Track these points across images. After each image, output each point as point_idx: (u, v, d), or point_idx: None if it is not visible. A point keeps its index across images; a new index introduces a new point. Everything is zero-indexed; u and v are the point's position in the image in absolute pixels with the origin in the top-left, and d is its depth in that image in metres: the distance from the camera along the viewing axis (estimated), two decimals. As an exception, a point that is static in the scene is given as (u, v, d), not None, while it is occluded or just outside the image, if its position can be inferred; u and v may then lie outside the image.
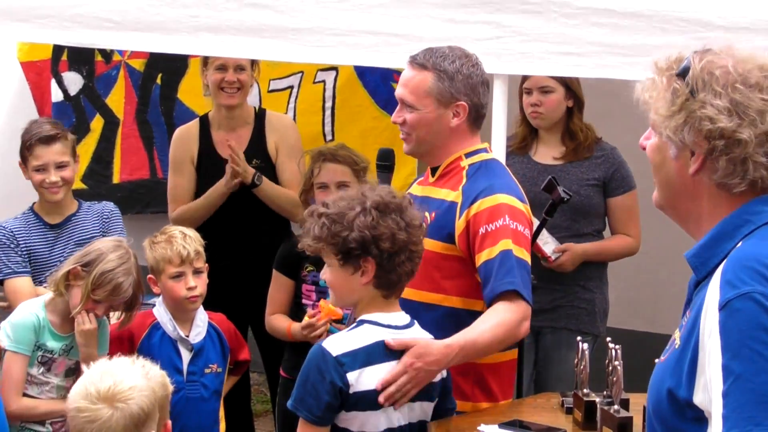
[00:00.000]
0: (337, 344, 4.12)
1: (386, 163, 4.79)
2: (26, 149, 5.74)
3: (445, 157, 4.69)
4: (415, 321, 4.34)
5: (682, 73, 2.75)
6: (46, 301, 5.11)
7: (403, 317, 4.28)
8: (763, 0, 4.83)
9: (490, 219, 4.51)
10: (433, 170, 4.76)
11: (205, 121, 6.56)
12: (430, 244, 4.54)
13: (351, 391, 4.09)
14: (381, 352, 4.16)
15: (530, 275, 4.57)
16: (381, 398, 4.09)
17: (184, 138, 6.56)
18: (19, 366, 5.05)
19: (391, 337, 4.16)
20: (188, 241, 5.27)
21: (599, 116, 6.24)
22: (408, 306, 4.46)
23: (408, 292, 4.45)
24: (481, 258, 4.51)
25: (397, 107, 4.69)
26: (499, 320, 4.43)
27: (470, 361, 4.49)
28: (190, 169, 6.50)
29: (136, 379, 3.51)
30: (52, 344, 5.11)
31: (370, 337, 4.16)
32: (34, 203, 5.90)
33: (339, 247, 4.11)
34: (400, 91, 4.67)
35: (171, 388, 3.63)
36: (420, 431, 4.29)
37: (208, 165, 6.41)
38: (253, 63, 6.38)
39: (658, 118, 2.79)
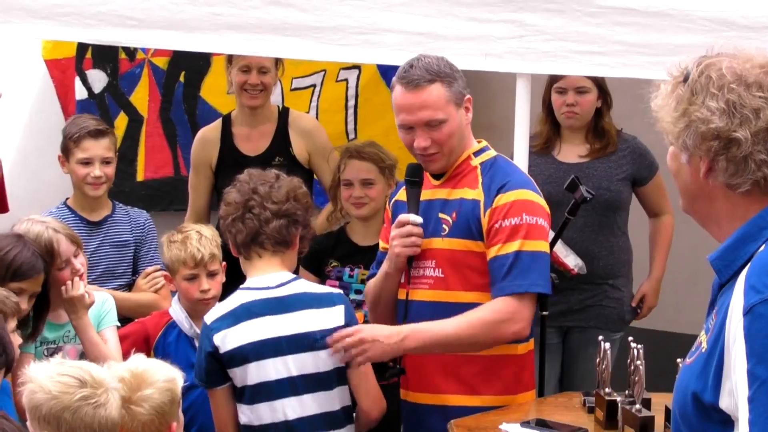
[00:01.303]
0: (213, 312, 4.64)
1: (416, 179, 4.74)
2: (72, 141, 5.78)
3: (458, 158, 4.72)
4: (299, 277, 4.77)
5: (685, 80, 2.78)
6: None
7: (278, 276, 4.63)
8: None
9: (507, 215, 4.58)
10: (437, 175, 4.75)
11: (227, 121, 6.60)
12: (458, 244, 4.62)
13: (221, 351, 4.53)
14: (245, 313, 4.56)
15: (549, 264, 4.65)
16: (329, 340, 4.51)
17: (205, 141, 6.60)
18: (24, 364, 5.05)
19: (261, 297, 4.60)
20: (203, 242, 5.29)
21: (622, 114, 6.23)
22: (448, 309, 4.63)
23: (444, 295, 4.67)
24: (492, 252, 4.59)
25: (417, 135, 4.63)
26: (472, 319, 4.55)
27: (439, 353, 4.63)
28: (207, 173, 6.55)
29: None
30: (51, 335, 5.10)
31: (238, 300, 4.61)
32: (67, 198, 5.93)
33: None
34: (422, 114, 4.60)
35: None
36: (314, 383, 4.60)
37: (230, 162, 6.41)
38: (277, 63, 6.39)
39: (666, 126, 2.83)
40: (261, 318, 4.58)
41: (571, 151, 6.20)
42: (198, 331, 5.23)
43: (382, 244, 4.99)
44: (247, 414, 4.59)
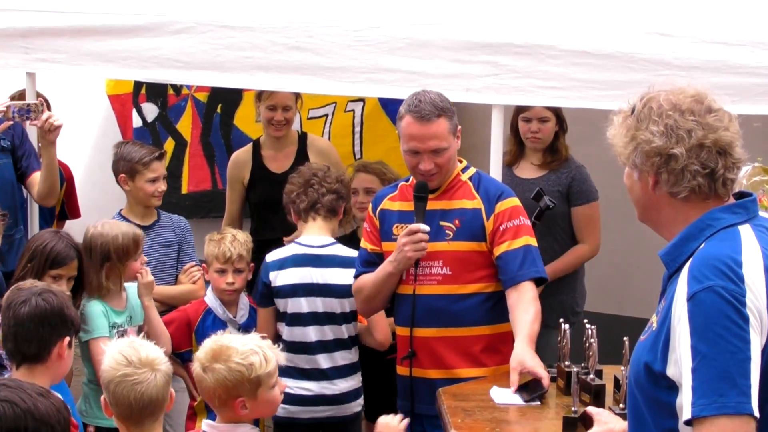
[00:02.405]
0: (272, 255, 5.25)
1: (422, 194, 4.69)
2: (142, 164, 5.72)
3: (449, 176, 4.71)
4: (337, 242, 5.30)
5: (632, 112, 2.82)
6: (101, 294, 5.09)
7: (322, 239, 5.26)
8: (711, 44, 4.81)
9: (510, 217, 4.64)
10: (431, 190, 4.71)
11: (257, 144, 6.54)
12: (463, 246, 4.66)
13: (272, 285, 5.18)
14: (292, 262, 5.20)
15: None
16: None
17: (238, 162, 6.54)
18: (102, 349, 5.00)
19: (306, 252, 5.23)
20: (235, 244, 5.32)
21: (577, 139, 6.21)
22: (454, 298, 4.66)
23: (452, 288, 4.67)
24: (501, 249, 4.63)
25: (423, 159, 4.60)
26: (537, 311, 4.59)
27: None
28: (240, 188, 6.49)
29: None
30: (119, 319, 5.12)
31: (291, 251, 5.24)
32: (121, 209, 5.91)
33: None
34: (432, 143, 4.57)
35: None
36: (331, 319, 5.21)
37: (260, 178, 6.39)
38: (297, 99, 6.36)
39: (618, 149, 2.86)
40: (303, 267, 5.20)
41: (527, 167, 6.18)
42: (230, 315, 5.35)
43: (370, 247, 4.88)
44: (285, 332, 5.22)
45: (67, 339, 3.79)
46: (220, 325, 5.26)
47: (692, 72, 4.61)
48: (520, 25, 4.96)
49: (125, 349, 3.53)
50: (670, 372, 2.64)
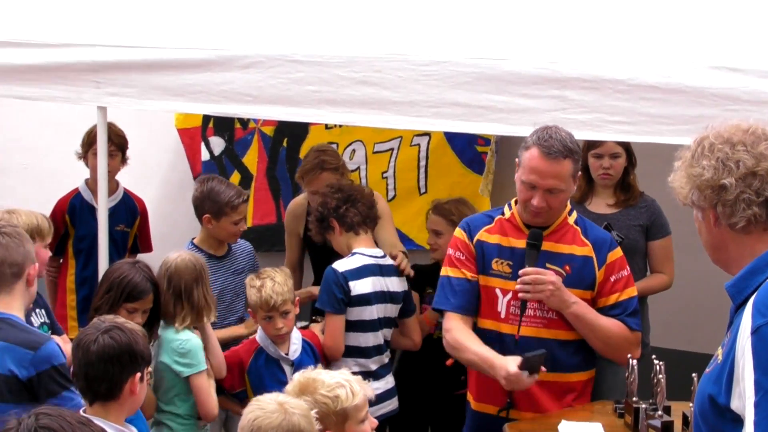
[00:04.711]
0: (343, 264, 5.49)
1: (536, 242, 4.71)
2: (230, 207, 5.84)
3: (558, 218, 4.73)
4: (386, 254, 5.69)
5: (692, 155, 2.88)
6: (187, 324, 5.13)
7: (377, 251, 5.66)
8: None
9: (620, 269, 4.72)
10: (543, 227, 4.72)
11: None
12: (573, 293, 4.66)
13: (351, 293, 5.42)
14: (366, 271, 5.51)
15: None
16: (520, 272, 4.67)
17: (295, 215, 6.58)
18: (208, 381, 5.10)
19: (374, 262, 5.58)
20: (276, 288, 5.28)
21: (646, 173, 6.21)
22: (557, 344, 4.70)
23: (557, 333, 4.71)
24: (612, 299, 4.69)
25: (537, 195, 4.60)
26: (616, 328, 4.67)
27: (580, 329, 4.66)
28: (296, 241, 6.54)
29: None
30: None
31: (361, 261, 5.54)
32: (193, 238, 6.00)
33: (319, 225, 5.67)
34: (550, 182, 4.57)
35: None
36: (387, 323, 5.61)
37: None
38: (342, 176, 6.26)
39: (677, 190, 2.90)
40: (374, 276, 5.52)
41: (601, 203, 6.18)
42: (281, 353, 5.35)
43: (470, 275, 4.83)
44: (350, 338, 5.48)
45: (138, 375, 3.82)
46: (272, 363, 5.32)
47: (763, 107, 4.59)
48: (588, 60, 4.96)
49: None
50: (734, 405, 2.64)
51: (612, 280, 4.66)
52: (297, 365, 5.25)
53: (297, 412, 3.44)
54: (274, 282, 5.29)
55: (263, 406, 3.45)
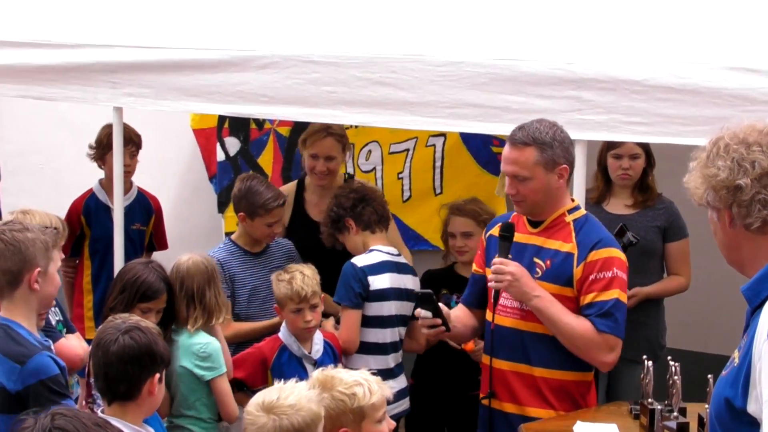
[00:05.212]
0: (362, 260, 5.55)
1: (507, 234, 4.77)
2: (265, 210, 5.85)
3: (550, 213, 4.71)
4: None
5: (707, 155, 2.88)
6: (198, 326, 5.14)
7: (393, 249, 5.72)
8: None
9: (602, 268, 4.58)
10: (535, 222, 4.76)
11: (301, 185, 6.46)
12: (548, 287, 4.66)
13: (370, 288, 5.49)
14: (384, 267, 5.57)
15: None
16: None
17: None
18: (228, 383, 5.12)
19: (391, 260, 5.65)
20: (306, 281, 5.31)
21: (661, 174, 6.21)
22: (529, 336, 4.70)
23: (529, 326, 4.70)
24: (589, 298, 4.59)
25: (508, 182, 4.70)
26: (583, 326, 4.56)
27: (547, 325, 4.64)
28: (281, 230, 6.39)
29: (301, 401, 3.52)
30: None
31: (379, 257, 5.60)
32: (231, 234, 6.03)
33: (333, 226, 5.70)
34: (510, 168, 4.66)
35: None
36: (402, 321, 5.66)
37: (299, 225, 6.32)
38: (344, 148, 6.27)
39: (692, 191, 2.90)
40: (392, 273, 5.60)
41: (619, 204, 6.19)
42: (305, 351, 5.36)
43: (474, 268, 5.10)
44: (368, 334, 5.54)
45: (157, 375, 3.82)
46: (295, 361, 5.33)
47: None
48: (604, 60, 4.97)
49: (273, 389, 3.59)
50: (751, 409, 2.64)
51: (591, 278, 4.58)
52: (319, 365, 5.25)
53: (287, 412, 3.46)
54: (304, 275, 5.35)
55: (254, 420, 3.48)
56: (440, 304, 4.79)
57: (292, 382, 3.64)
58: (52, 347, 4.36)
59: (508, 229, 4.77)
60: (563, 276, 4.64)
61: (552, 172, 4.64)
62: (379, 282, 5.53)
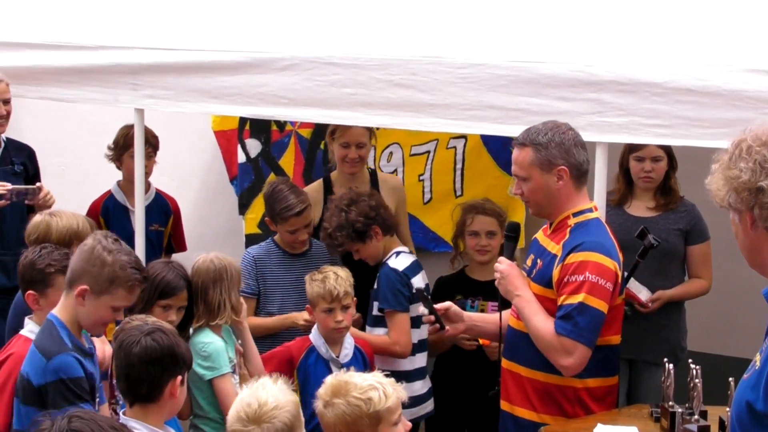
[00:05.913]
0: (400, 263, 5.71)
1: (512, 234, 4.88)
2: (281, 218, 5.93)
3: (557, 214, 4.70)
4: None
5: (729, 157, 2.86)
6: (201, 324, 5.14)
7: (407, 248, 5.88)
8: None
9: (575, 272, 4.49)
10: (551, 224, 4.78)
11: (328, 181, 6.54)
12: (535, 287, 4.68)
13: (413, 289, 5.57)
14: (418, 267, 5.79)
15: (601, 322, 4.52)
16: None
17: (314, 201, 6.44)
18: (232, 384, 5.07)
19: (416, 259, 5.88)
20: (339, 282, 5.35)
21: (682, 176, 6.20)
22: (521, 336, 4.70)
23: (520, 325, 4.70)
24: (559, 300, 4.54)
25: (516, 182, 4.76)
26: (548, 330, 4.52)
27: (519, 313, 4.67)
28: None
29: (278, 397, 3.56)
30: (231, 353, 5.17)
31: (410, 258, 5.80)
32: (275, 235, 6.12)
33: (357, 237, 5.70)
34: (513, 168, 4.74)
35: None
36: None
37: None
38: (371, 135, 6.37)
39: (714, 192, 2.88)
40: (421, 273, 5.78)
41: (640, 206, 6.18)
42: (333, 354, 5.37)
43: None
44: (414, 334, 5.69)
45: (179, 378, 3.83)
46: (322, 363, 5.34)
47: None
48: (625, 63, 4.97)
49: (245, 398, 3.60)
50: (773, 413, 2.64)
51: (564, 281, 4.51)
52: (346, 369, 5.28)
53: (274, 414, 3.52)
54: (337, 276, 5.39)
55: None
56: (448, 303, 4.98)
57: (251, 383, 3.70)
58: (96, 356, 4.37)
59: (513, 229, 4.93)
60: (546, 277, 4.63)
61: (549, 173, 4.61)
62: (417, 282, 5.69)
